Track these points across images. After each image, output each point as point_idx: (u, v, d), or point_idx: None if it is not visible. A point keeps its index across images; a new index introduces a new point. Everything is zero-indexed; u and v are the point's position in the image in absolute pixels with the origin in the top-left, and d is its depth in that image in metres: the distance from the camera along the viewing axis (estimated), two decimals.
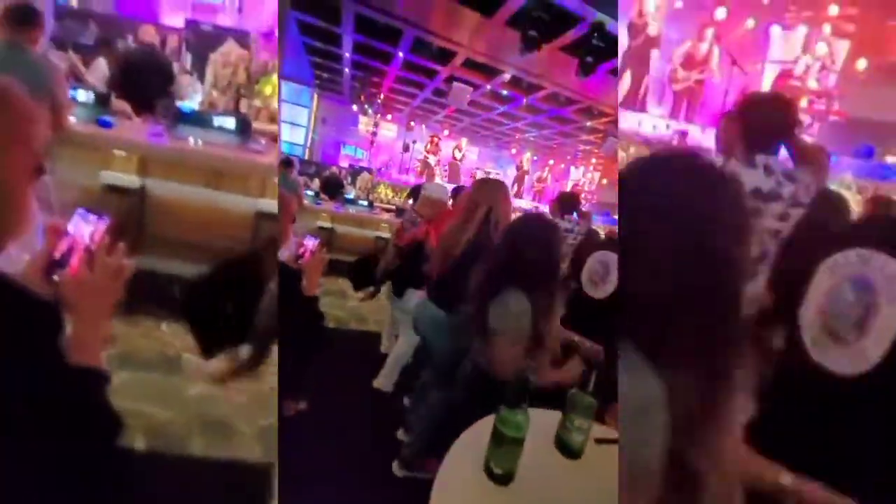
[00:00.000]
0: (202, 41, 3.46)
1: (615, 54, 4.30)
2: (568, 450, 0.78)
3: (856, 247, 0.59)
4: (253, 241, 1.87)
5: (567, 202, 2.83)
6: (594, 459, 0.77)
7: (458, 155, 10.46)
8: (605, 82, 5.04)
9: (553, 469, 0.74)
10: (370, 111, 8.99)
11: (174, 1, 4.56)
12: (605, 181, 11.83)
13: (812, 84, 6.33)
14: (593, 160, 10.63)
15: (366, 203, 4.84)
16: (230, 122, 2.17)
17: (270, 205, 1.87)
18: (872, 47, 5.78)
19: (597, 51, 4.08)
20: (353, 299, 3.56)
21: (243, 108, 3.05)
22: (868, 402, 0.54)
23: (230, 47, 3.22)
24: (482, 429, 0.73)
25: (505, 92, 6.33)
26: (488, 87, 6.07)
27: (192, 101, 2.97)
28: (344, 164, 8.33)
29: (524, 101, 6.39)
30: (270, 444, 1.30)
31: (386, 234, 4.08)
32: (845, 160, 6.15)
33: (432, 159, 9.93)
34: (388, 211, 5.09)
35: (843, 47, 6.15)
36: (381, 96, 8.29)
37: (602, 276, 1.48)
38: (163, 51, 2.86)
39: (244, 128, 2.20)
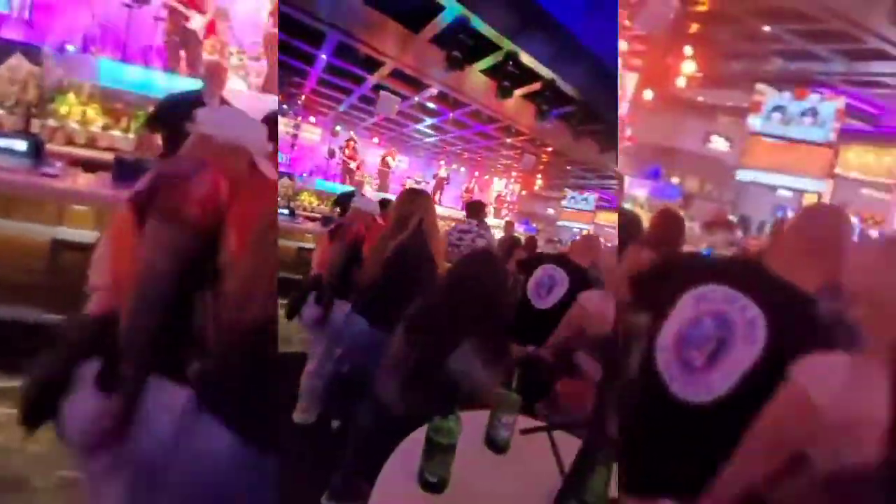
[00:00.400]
0: None
1: (529, 81, 4.83)
2: (496, 445, 0.83)
3: (723, 284, 0.62)
4: (50, 271, 1.67)
5: (473, 208, 3.21)
6: (518, 449, 0.85)
7: (391, 164, 10.40)
8: (521, 105, 5.62)
9: (483, 465, 0.79)
10: (290, 112, 8.34)
11: None
12: (524, 192, 13.04)
13: None
14: (513, 173, 11.66)
15: (286, 211, 4.45)
16: (19, 144, 1.92)
17: (69, 233, 1.73)
18: (657, 80, 7.08)
19: (512, 77, 4.54)
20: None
21: (35, 128, 2.78)
22: (707, 430, 0.57)
23: (18, 62, 2.91)
24: (413, 440, 0.74)
25: (432, 105, 6.55)
26: (416, 99, 6.20)
27: None
28: None
29: (450, 115, 6.70)
30: (71, 499, 1.18)
31: (310, 245, 3.80)
32: (637, 181, 7.76)
33: (352, 164, 9.69)
34: (313, 220, 4.76)
35: (632, 79, 7.38)
36: (303, 97, 7.77)
37: (548, 288, 1.57)
38: None
39: (36, 150, 1.96)
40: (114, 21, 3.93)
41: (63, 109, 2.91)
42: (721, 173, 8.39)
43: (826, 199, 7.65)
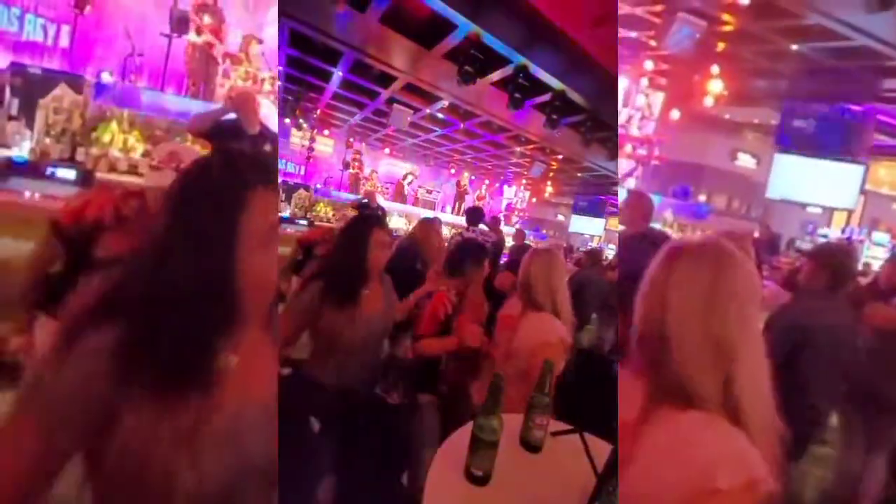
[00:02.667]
0: (30, 85, 3.21)
1: (538, 93, 4.94)
2: (531, 446, 0.90)
3: None
4: None
5: (473, 215, 3.35)
6: (552, 450, 0.91)
7: (409, 179, 10.72)
8: (531, 115, 5.72)
9: (520, 464, 0.85)
10: (305, 126, 8.64)
11: None
12: (534, 200, 13.06)
13: (634, 131, 7.52)
14: (523, 181, 11.72)
15: (305, 222, 4.62)
16: (68, 173, 2.03)
17: None
18: (683, 98, 7.02)
19: (523, 88, 4.65)
20: None
21: (80, 156, 2.93)
22: None
23: (62, 92, 3.05)
24: (462, 436, 0.81)
25: (443, 116, 6.71)
26: (428, 111, 6.38)
27: (19, 149, 2.78)
28: None
29: (461, 125, 6.85)
30: None
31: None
32: (666, 200, 7.60)
33: (361, 175, 9.98)
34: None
35: (658, 98, 7.41)
36: (318, 112, 8.05)
37: None
38: None
39: (85, 178, 2.08)
40: (152, 51, 4.21)
41: (106, 137, 3.05)
42: (748, 190, 8.28)
43: (857, 216, 7.43)
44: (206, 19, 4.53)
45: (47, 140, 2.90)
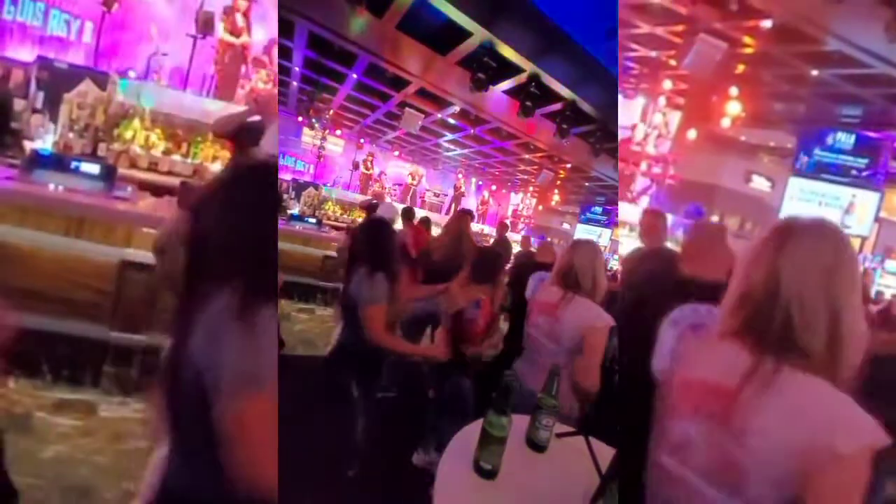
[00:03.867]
0: (56, 79, 3.28)
1: (549, 101, 4.98)
2: (536, 446, 0.93)
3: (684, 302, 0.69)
4: (117, 291, 1.77)
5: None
6: (556, 451, 0.94)
7: (410, 179, 10.77)
8: (541, 123, 5.76)
9: (526, 462, 0.89)
10: (317, 125, 8.77)
11: (21, 33, 4.25)
12: (540, 207, 13.06)
13: (650, 150, 7.57)
14: (530, 188, 11.74)
15: (314, 220, 4.67)
16: (92, 167, 2.08)
17: (137, 255, 1.81)
18: (700, 118, 7.08)
19: (534, 97, 4.70)
20: (299, 322, 3.37)
21: (101, 151, 2.97)
22: None
23: (87, 87, 3.07)
24: (472, 431, 0.85)
25: (453, 121, 6.78)
26: (438, 115, 6.45)
27: (42, 142, 2.82)
28: (286, 176, 7.89)
29: (471, 131, 6.91)
30: None
31: (335, 254, 3.97)
32: (677, 220, 7.57)
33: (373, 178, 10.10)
34: (338, 229, 4.97)
35: (675, 117, 7.44)
36: (331, 112, 8.17)
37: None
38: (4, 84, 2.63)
39: (108, 174, 2.11)
40: (177, 50, 4.30)
41: (128, 134, 3.08)
42: (762, 212, 8.24)
43: (870, 243, 7.30)
44: (240, 21, 4.61)
45: (70, 134, 2.91)
